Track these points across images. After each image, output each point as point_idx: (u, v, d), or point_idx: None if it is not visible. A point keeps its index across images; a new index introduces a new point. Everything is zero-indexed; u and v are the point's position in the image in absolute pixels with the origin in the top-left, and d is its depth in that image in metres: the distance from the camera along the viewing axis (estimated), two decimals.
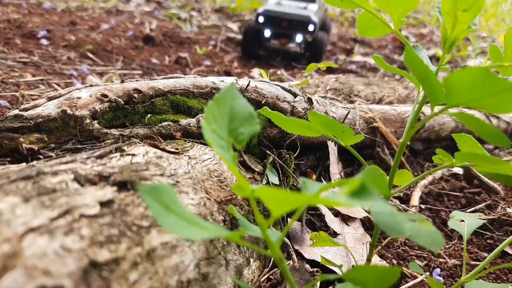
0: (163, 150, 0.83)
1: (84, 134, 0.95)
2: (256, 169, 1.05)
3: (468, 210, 1.32)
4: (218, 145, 0.50)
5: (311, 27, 2.94)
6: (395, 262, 1.05)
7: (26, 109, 0.93)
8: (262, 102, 1.15)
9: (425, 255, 1.09)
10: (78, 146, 0.92)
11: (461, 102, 0.49)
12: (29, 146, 0.89)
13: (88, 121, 0.95)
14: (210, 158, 0.90)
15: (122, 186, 0.62)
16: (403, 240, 1.14)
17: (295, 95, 1.25)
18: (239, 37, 3.41)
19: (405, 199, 1.38)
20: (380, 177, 0.45)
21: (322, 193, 0.45)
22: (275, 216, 0.44)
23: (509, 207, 1.32)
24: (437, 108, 0.54)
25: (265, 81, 1.24)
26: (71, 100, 0.96)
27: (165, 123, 1.02)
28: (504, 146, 0.52)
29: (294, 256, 0.95)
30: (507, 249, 1.14)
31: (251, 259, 0.82)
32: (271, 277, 0.91)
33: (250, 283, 0.81)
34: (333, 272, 0.92)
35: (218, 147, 0.50)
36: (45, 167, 0.62)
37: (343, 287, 0.67)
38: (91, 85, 1.04)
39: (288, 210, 0.44)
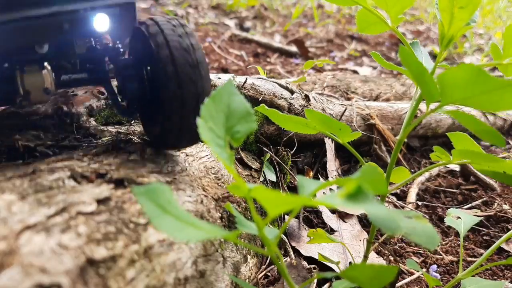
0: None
1: (80, 131, 0.94)
2: (253, 166, 1.05)
3: (464, 207, 1.33)
4: (215, 144, 0.50)
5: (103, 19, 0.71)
6: (392, 258, 1.05)
7: (22, 106, 0.93)
8: (259, 99, 1.15)
9: (422, 252, 1.10)
10: (75, 144, 0.91)
11: (455, 100, 0.49)
12: (26, 143, 0.88)
13: (84, 118, 0.95)
14: (207, 155, 0.90)
15: (119, 183, 0.62)
16: (400, 237, 1.14)
17: (292, 92, 1.25)
18: (237, 32, 3.40)
19: (402, 196, 1.39)
20: (378, 175, 0.45)
21: (319, 192, 0.45)
22: (271, 216, 0.44)
23: (505, 204, 1.33)
24: (433, 105, 0.55)
25: (262, 78, 1.24)
26: (67, 97, 0.96)
27: None
28: (499, 145, 0.53)
29: (292, 253, 0.95)
30: (503, 246, 1.14)
31: (249, 256, 0.82)
32: (269, 273, 0.91)
33: (247, 280, 0.81)
34: (330, 268, 0.92)
35: (216, 146, 0.50)
36: (42, 165, 0.62)
37: (340, 284, 0.67)
38: None
39: (285, 211, 0.45)
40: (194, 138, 0.74)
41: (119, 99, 0.79)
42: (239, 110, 0.54)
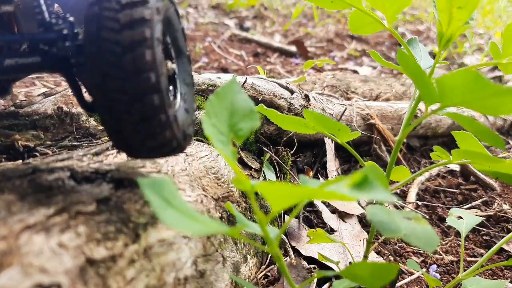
0: None
1: (80, 131, 0.94)
2: (253, 166, 1.05)
3: (464, 207, 1.33)
4: (218, 140, 0.50)
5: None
6: (392, 258, 1.05)
7: (21, 106, 0.93)
8: (259, 99, 1.15)
9: (422, 252, 1.09)
10: (75, 143, 0.91)
11: (454, 103, 0.49)
12: (25, 143, 0.88)
13: (84, 118, 0.95)
14: (207, 155, 0.90)
15: (119, 183, 0.62)
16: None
17: (292, 92, 1.25)
18: (237, 32, 3.40)
19: (402, 196, 1.39)
20: (379, 172, 0.45)
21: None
22: (275, 211, 0.44)
23: (505, 204, 1.33)
24: (433, 106, 0.54)
25: (262, 78, 1.24)
26: (67, 97, 0.96)
27: None
28: (498, 147, 0.52)
29: (291, 253, 0.95)
30: (504, 246, 1.14)
31: (248, 256, 0.82)
32: (268, 273, 0.91)
33: (247, 280, 0.81)
34: (330, 268, 0.92)
35: (218, 142, 0.50)
36: (41, 165, 0.62)
37: (341, 284, 0.67)
38: None
39: (289, 205, 0.44)
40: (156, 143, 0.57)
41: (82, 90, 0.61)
42: (242, 108, 0.54)
